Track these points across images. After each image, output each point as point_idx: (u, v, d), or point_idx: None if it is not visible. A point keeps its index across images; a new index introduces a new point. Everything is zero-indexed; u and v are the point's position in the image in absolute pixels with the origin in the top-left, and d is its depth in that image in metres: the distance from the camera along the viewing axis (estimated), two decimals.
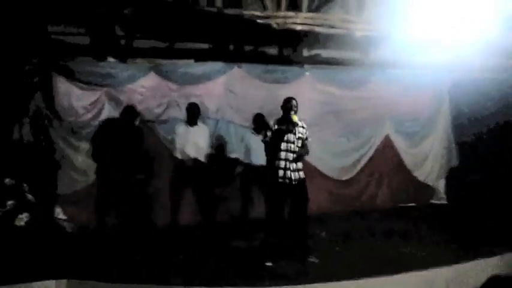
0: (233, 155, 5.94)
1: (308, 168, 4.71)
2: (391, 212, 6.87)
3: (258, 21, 6.26)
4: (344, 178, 7.10)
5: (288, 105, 4.49)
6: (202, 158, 5.59)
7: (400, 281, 3.94)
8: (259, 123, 5.79)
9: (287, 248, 4.49)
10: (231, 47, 6.86)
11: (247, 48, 6.92)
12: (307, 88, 6.60)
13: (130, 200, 5.49)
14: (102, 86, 5.91)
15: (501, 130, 7.43)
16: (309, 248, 4.53)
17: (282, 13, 6.63)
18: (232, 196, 6.06)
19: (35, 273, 3.89)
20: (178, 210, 5.57)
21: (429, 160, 7.62)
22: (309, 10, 6.98)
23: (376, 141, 7.29)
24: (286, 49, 7.10)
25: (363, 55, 7.32)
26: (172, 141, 5.71)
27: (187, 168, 5.49)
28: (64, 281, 3.81)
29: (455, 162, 7.67)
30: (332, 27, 6.71)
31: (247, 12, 6.32)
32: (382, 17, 6.97)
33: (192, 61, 6.45)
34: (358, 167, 7.19)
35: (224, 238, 5.34)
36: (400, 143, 7.43)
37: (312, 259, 4.41)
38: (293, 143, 4.43)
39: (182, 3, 6.25)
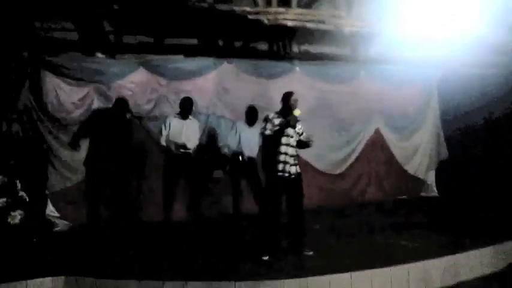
0: (224, 149, 5.91)
1: (300, 162, 4.69)
2: (382, 204, 6.94)
3: (249, 16, 6.27)
4: (336, 172, 7.15)
5: (290, 99, 4.47)
6: (193, 151, 5.56)
7: (393, 273, 3.97)
8: (251, 116, 5.79)
9: (282, 242, 4.50)
10: (222, 42, 6.85)
11: (238, 43, 6.93)
12: (297, 83, 6.58)
13: (122, 193, 5.46)
14: (91, 81, 5.85)
15: (489, 124, 7.56)
16: (303, 241, 4.53)
17: (272, 9, 6.67)
18: (224, 190, 6.05)
19: (30, 270, 3.83)
20: (171, 204, 5.53)
21: (419, 154, 7.72)
22: (299, 6, 7.01)
23: (366, 136, 7.36)
24: (277, 44, 7.12)
25: (352, 50, 7.38)
26: (163, 134, 5.56)
27: (179, 161, 5.47)
28: (60, 278, 3.76)
29: (444, 155, 7.78)
30: (322, 23, 6.77)
31: (238, 8, 6.33)
32: (371, 13, 7.05)
33: (182, 56, 6.42)
34: (349, 161, 7.25)
35: (219, 233, 5.33)
36: (390, 137, 7.51)
37: (307, 252, 4.41)
38: (292, 137, 4.43)
39: None
